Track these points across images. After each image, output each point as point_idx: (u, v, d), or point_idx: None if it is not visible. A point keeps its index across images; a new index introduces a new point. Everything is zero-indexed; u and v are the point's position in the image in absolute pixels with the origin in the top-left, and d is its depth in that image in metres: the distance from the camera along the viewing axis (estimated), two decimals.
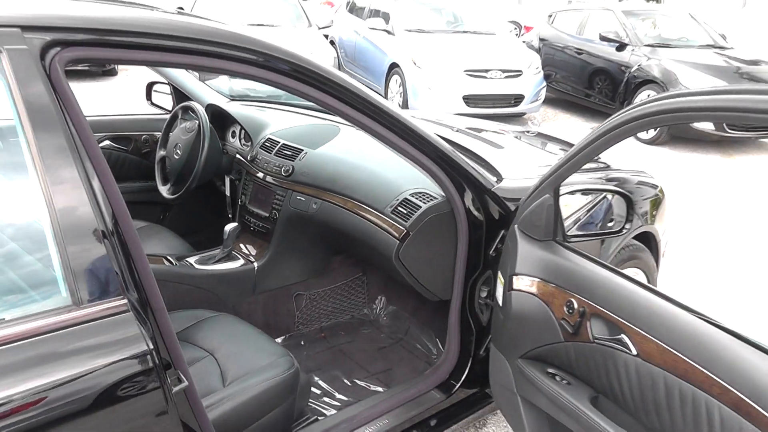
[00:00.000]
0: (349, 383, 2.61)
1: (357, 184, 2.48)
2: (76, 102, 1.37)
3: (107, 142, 3.27)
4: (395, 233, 2.28)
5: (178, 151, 2.97)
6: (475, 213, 2.17)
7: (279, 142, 2.86)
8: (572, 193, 2.41)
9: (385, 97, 9.14)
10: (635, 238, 2.92)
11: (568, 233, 2.15)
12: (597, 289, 1.76)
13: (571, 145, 3.47)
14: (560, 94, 10.26)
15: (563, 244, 1.95)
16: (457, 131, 3.01)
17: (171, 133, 3.09)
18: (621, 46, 8.80)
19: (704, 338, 1.49)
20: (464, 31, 9.52)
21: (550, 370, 1.93)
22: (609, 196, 2.55)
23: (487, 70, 8.27)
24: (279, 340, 2.82)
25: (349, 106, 1.86)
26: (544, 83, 8.84)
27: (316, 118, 3.03)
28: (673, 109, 1.51)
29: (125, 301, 1.32)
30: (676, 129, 7.87)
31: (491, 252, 2.20)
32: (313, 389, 2.53)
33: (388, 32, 9.32)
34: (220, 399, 1.90)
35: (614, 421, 1.71)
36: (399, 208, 2.29)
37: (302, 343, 2.86)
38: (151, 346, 1.34)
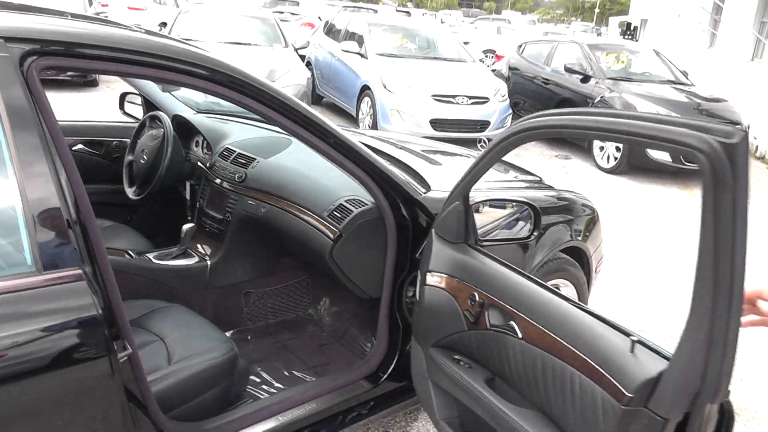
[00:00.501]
0: (287, 374, 2.83)
1: (299, 191, 2.74)
2: (49, 105, 1.61)
3: (80, 146, 3.50)
4: (330, 234, 2.53)
5: (144, 156, 3.21)
6: (402, 219, 2.43)
7: (235, 152, 3.12)
8: (486, 202, 2.67)
9: (356, 118, 9.43)
10: (566, 252, 3.18)
11: (484, 238, 2.43)
12: (495, 283, 2.03)
13: (516, 167, 3.77)
14: None
15: (474, 247, 2.21)
16: (400, 149, 3.28)
17: (139, 140, 3.33)
18: (585, 78, 9.15)
19: (572, 320, 1.77)
20: (435, 58, 9.86)
21: (456, 357, 2.19)
22: (528, 209, 2.80)
23: (454, 96, 8.59)
24: (228, 333, 3.04)
25: (285, 118, 2.12)
26: (510, 111, 9.16)
27: (272, 132, 3.28)
28: (535, 127, 1.81)
29: (80, 271, 1.56)
30: (636, 159, 8.15)
31: (417, 255, 2.45)
32: (253, 378, 2.75)
33: (362, 55, 9.63)
34: (164, 375, 2.13)
35: (504, 398, 1.98)
36: (335, 213, 2.55)
37: (249, 337, 3.10)
38: (101, 312, 1.58)
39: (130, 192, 3.26)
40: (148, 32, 2.14)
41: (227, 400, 2.35)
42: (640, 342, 1.59)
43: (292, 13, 23.27)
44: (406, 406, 2.73)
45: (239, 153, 3.10)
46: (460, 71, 9.39)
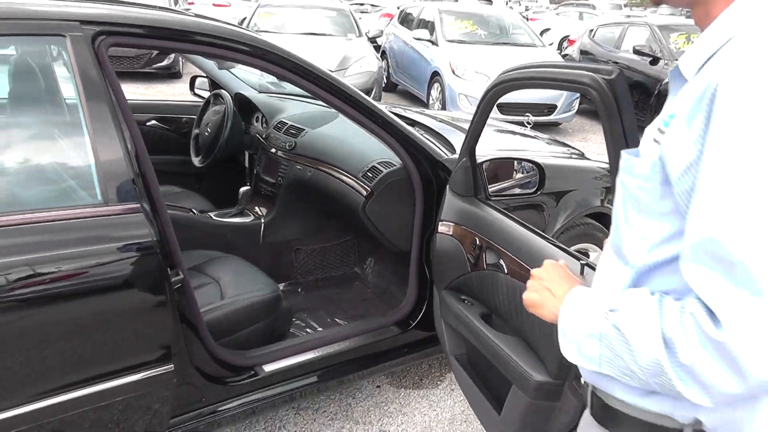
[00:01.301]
0: (329, 321, 3.18)
1: (339, 155, 3.09)
2: (114, 75, 2.00)
3: (154, 122, 3.94)
4: (363, 192, 2.86)
5: (208, 129, 3.60)
6: (427, 178, 2.72)
7: (287, 123, 3.49)
8: (494, 160, 2.88)
9: (426, 103, 9.71)
10: (595, 219, 3.40)
11: (495, 194, 2.70)
12: (492, 228, 2.31)
13: (561, 143, 4.01)
14: None
15: (483, 201, 2.49)
16: (440, 121, 3.58)
17: (204, 116, 3.74)
18: (654, 60, 9.12)
19: (540, 251, 2.05)
20: (504, 43, 10.03)
21: (462, 297, 2.48)
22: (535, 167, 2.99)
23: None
24: (280, 286, 3.41)
25: (326, 91, 2.46)
26: (577, 95, 9.26)
27: (320, 107, 3.63)
28: (501, 81, 2.11)
29: (138, 205, 1.93)
30: None
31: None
32: (299, 322, 3.10)
33: (432, 42, 9.90)
34: (216, 307, 2.50)
35: (496, 330, 2.26)
36: (368, 173, 2.87)
37: (298, 290, 3.46)
38: (156, 241, 1.94)
39: (195, 161, 3.66)
40: (197, 15, 2.51)
41: (271, 336, 2.70)
42: (588, 265, 1.85)
43: (372, 5, 23.61)
44: (431, 353, 3.02)
45: (291, 125, 3.46)
46: (529, 56, 9.52)
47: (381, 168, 2.85)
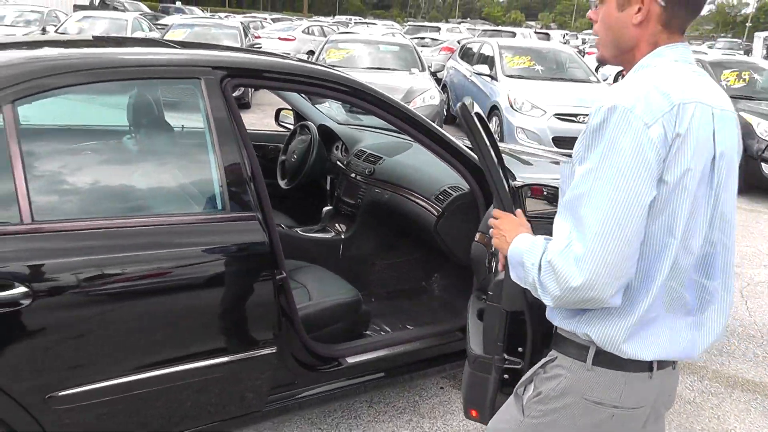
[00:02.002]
0: (400, 326, 3.60)
1: (414, 180, 3.55)
2: (237, 110, 2.51)
3: None
4: (435, 213, 3.30)
5: (294, 156, 4.10)
6: (491, 201, 3.15)
7: (366, 152, 3.97)
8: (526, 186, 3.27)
9: None
10: None
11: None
12: None
13: None
14: None
15: None
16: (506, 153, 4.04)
17: (290, 144, 4.24)
18: None
19: None
20: (560, 78, 10.42)
21: (483, 296, 2.87)
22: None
23: (575, 115, 9.14)
24: None
25: (405, 123, 2.92)
26: None
27: (397, 137, 4.10)
28: None
29: (254, 214, 2.42)
30: (751, 178, 8.29)
31: None
32: (373, 326, 3.54)
33: (492, 77, 10.36)
34: (305, 306, 2.97)
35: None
36: (439, 196, 3.32)
37: (372, 299, 3.90)
38: (267, 243, 2.42)
39: (282, 183, 4.16)
40: (299, 60, 3.04)
41: (351, 334, 3.15)
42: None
43: (433, 39, 24.28)
44: None
45: (369, 153, 3.94)
46: (583, 91, 9.91)
47: (451, 191, 3.28)
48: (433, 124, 3.00)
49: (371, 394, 3.47)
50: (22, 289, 2.03)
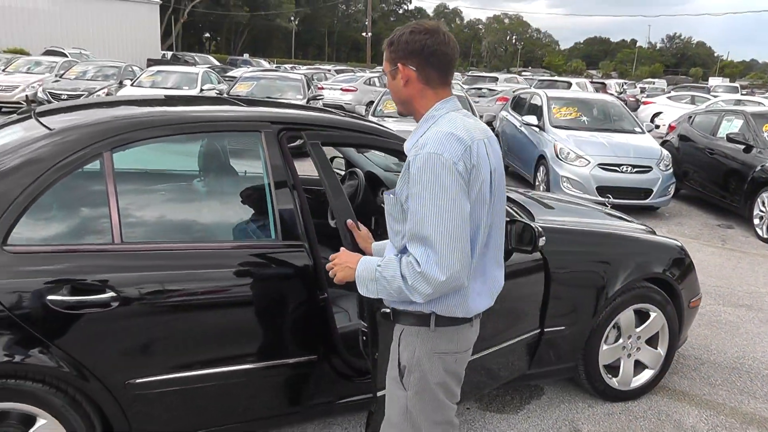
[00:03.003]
0: None
1: None
2: (291, 159, 3.06)
3: None
4: None
5: None
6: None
7: None
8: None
9: (533, 185, 10.55)
10: (652, 281, 4.15)
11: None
12: None
13: (629, 219, 4.77)
14: (696, 192, 10.84)
15: None
16: (528, 197, 4.48)
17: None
18: (747, 148, 9.46)
19: None
20: (606, 129, 10.78)
21: None
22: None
23: (619, 165, 9.49)
24: None
25: None
26: (673, 180, 9.84)
27: None
28: None
29: (302, 243, 2.95)
30: None
31: None
32: None
33: (540, 127, 10.80)
34: (345, 326, 3.49)
35: None
36: None
37: None
38: (312, 269, 2.94)
39: (331, 223, 4.67)
40: (347, 114, 3.59)
41: None
42: None
43: (490, 89, 24.86)
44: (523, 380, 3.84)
45: None
46: (628, 141, 10.25)
47: None
48: None
49: None
50: (111, 294, 2.67)
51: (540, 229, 3.23)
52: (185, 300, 2.83)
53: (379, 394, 2.58)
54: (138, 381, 2.78)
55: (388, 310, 2.29)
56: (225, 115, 3.24)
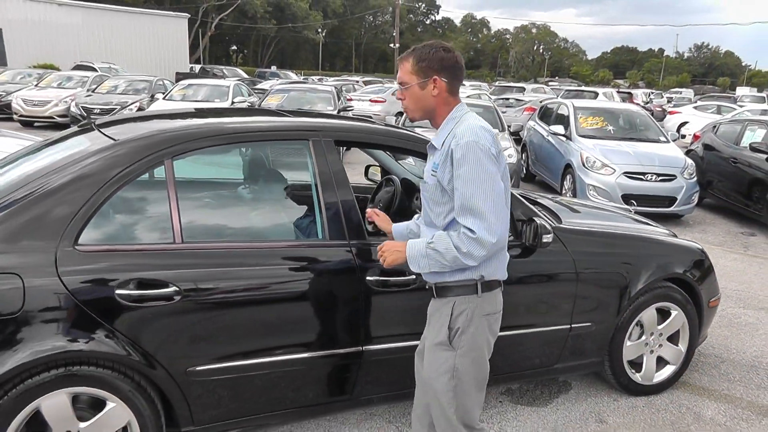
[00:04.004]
0: None
1: None
2: (339, 164, 3.37)
3: None
4: None
5: (380, 205, 4.89)
6: None
7: None
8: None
9: (560, 192, 10.77)
10: (673, 281, 4.40)
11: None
12: None
13: (651, 224, 5.01)
14: (720, 200, 10.99)
15: None
16: (556, 202, 4.74)
17: (377, 194, 5.05)
18: None
19: None
20: (631, 138, 10.98)
21: None
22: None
23: (644, 173, 9.69)
24: None
25: None
26: (697, 188, 9.99)
27: None
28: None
29: (347, 242, 3.27)
30: None
31: None
32: None
33: (566, 137, 11.02)
34: None
35: None
36: None
37: None
38: (356, 264, 3.24)
39: (369, 228, 4.95)
40: (377, 123, 3.89)
41: None
42: None
43: (517, 99, 25.05)
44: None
45: None
46: (653, 150, 10.42)
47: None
48: None
49: None
50: (174, 288, 2.96)
51: (548, 227, 3.56)
52: (240, 294, 3.11)
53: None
54: (198, 369, 3.06)
55: (437, 285, 2.72)
56: (276, 125, 3.54)
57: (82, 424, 2.89)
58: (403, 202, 4.81)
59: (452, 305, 2.65)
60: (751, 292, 7.01)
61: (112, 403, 2.91)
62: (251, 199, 4.16)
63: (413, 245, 2.64)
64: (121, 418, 2.95)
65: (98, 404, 2.92)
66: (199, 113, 3.97)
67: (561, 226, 3.99)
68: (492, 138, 2.54)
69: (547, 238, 3.53)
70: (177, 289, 2.95)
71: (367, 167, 5.78)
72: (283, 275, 3.21)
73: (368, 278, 3.31)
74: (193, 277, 3.00)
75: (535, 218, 3.60)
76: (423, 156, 3.70)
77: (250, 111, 4.22)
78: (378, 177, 5.57)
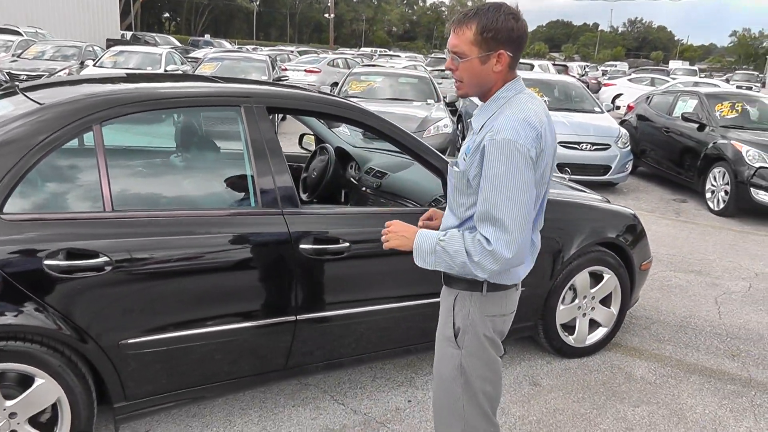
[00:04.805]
0: None
1: (414, 192, 4.25)
2: (272, 132, 3.27)
3: None
4: None
5: (314, 173, 4.82)
6: None
7: (375, 169, 4.69)
8: None
9: None
10: (605, 245, 4.46)
11: None
12: None
13: (585, 190, 5.05)
14: (653, 168, 11.33)
15: None
16: None
17: (311, 163, 4.97)
18: (701, 127, 9.93)
19: None
20: (566, 109, 11.12)
21: None
22: None
23: (579, 143, 9.83)
24: None
25: (398, 142, 3.65)
26: (631, 156, 10.23)
27: (400, 157, 4.82)
28: None
29: (280, 210, 3.17)
30: (742, 202, 8.89)
31: None
32: None
33: None
34: None
35: None
36: (431, 203, 4.01)
37: None
38: (289, 234, 3.16)
39: (303, 197, 4.89)
40: (319, 92, 3.78)
41: None
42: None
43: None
44: None
45: (377, 170, 4.67)
46: (588, 120, 10.59)
47: (441, 199, 3.98)
48: (424, 143, 3.72)
49: (375, 370, 4.18)
50: (105, 258, 2.83)
51: None
52: (172, 264, 3.00)
53: None
54: (130, 341, 2.95)
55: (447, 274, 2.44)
56: (208, 90, 3.42)
57: (8, 403, 2.77)
58: (338, 170, 4.76)
59: (454, 298, 2.42)
60: (682, 256, 7.21)
61: (41, 380, 2.79)
62: (184, 168, 4.03)
63: (423, 237, 2.30)
64: (50, 394, 2.83)
65: (26, 381, 2.80)
66: (130, 78, 3.82)
67: None
68: (535, 136, 2.14)
69: None
70: (108, 259, 2.83)
71: (302, 136, 5.70)
72: (215, 244, 3.10)
73: (301, 247, 3.24)
74: (124, 247, 2.89)
75: None
76: (356, 123, 3.64)
77: (183, 77, 4.07)
78: (312, 146, 5.49)
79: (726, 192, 9.16)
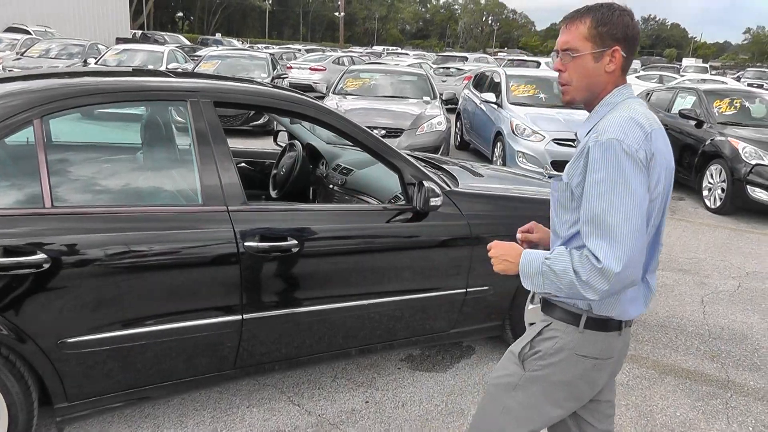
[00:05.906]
0: None
1: (376, 189, 4.17)
2: (218, 128, 3.17)
3: (244, 164, 5.12)
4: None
5: (283, 170, 4.74)
6: None
7: (341, 166, 4.61)
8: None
9: (490, 160, 10.72)
10: None
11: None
12: None
13: None
14: None
15: None
16: (460, 167, 4.64)
17: (281, 160, 4.89)
18: (699, 123, 9.79)
19: None
20: (562, 105, 10.94)
21: None
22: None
23: (573, 140, 9.65)
24: None
25: (355, 138, 3.56)
26: None
27: (365, 155, 4.73)
28: None
29: (224, 207, 3.09)
30: (739, 200, 8.75)
31: None
32: None
33: (498, 104, 10.93)
34: None
35: None
36: (391, 200, 3.92)
37: None
38: (232, 229, 3.07)
39: (273, 193, 4.81)
40: (273, 86, 3.69)
41: None
42: None
43: (458, 69, 24.97)
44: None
45: (344, 167, 4.58)
46: (582, 117, 10.37)
47: (400, 196, 3.89)
48: (381, 140, 3.62)
49: (336, 370, 4.08)
50: (43, 255, 2.74)
51: (437, 190, 3.50)
52: (113, 261, 2.91)
53: None
54: (70, 341, 2.86)
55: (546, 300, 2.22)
56: (154, 85, 3.33)
57: None
58: (305, 167, 4.68)
59: (546, 325, 2.18)
60: (672, 254, 7.09)
61: None
62: (130, 163, 3.97)
63: (529, 259, 2.03)
64: None
65: None
66: (78, 73, 3.74)
67: (456, 189, 3.89)
68: (644, 136, 1.92)
69: (435, 202, 3.46)
70: (46, 256, 2.74)
71: (276, 132, 5.60)
72: (158, 241, 3.01)
73: (247, 244, 3.15)
74: (63, 244, 2.80)
75: (425, 181, 3.50)
76: (311, 120, 3.55)
77: (136, 72, 3.98)
78: (285, 142, 5.43)
79: (723, 190, 9.03)
